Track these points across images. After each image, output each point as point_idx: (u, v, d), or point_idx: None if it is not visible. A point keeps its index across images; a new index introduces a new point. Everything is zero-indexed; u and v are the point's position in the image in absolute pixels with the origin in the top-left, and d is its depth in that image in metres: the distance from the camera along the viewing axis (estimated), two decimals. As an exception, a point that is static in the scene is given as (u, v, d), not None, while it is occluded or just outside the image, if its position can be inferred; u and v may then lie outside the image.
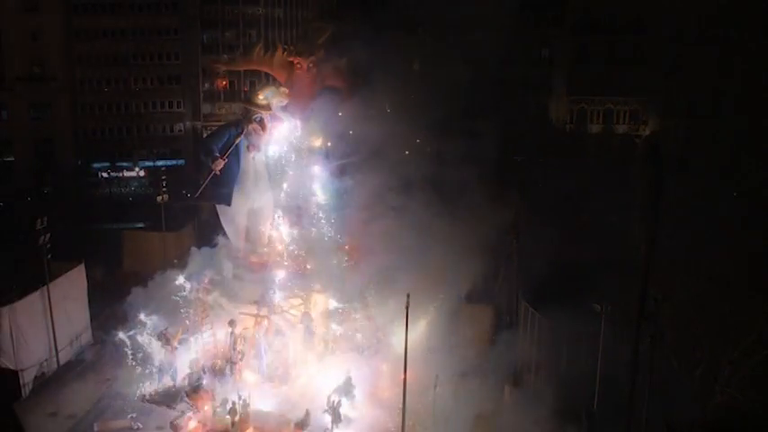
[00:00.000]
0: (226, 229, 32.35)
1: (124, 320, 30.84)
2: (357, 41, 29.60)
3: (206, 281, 30.19)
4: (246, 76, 57.92)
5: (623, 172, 28.39)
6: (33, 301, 28.14)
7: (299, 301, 30.10)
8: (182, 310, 30.35)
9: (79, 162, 57.95)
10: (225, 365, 28.52)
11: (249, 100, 31.31)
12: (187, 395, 26.38)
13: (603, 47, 54.89)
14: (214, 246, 32.15)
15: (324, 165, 31.19)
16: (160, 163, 56.52)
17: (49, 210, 32.49)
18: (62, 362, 29.40)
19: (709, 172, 41.93)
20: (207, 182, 30.76)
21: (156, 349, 28.67)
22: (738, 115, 49.59)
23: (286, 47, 30.96)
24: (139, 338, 29.90)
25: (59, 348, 29.12)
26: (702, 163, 44.37)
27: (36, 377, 28.13)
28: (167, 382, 27.87)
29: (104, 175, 59.40)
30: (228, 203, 31.19)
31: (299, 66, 30.69)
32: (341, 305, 29.70)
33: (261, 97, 30.98)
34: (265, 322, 29.38)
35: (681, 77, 51.87)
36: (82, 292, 31.18)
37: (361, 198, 29.11)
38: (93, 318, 31.62)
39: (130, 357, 29.29)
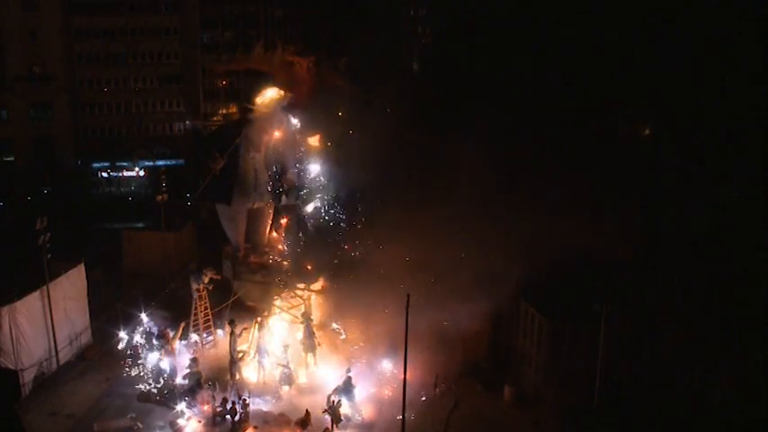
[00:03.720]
0: (226, 228, 32.34)
1: (124, 320, 30.86)
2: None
3: (206, 281, 30.17)
4: (246, 75, 57.82)
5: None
6: (33, 300, 28.09)
7: (299, 301, 30.11)
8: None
9: (79, 162, 57.82)
10: (225, 365, 28.52)
11: (249, 100, 31.28)
12: (187, 395, 26.39)
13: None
14: (214, 246, 32.12)
15: (323, 163, 31.21)
16: (160, 163, 56.41)
17: (49, 210, 32.44)
18: (62, 362, 29.37)
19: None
20: (207, 182, 30.75)
21: (155, 349, 28.66)
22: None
23: (286, 46, 30.93)
24: (139, 338, 29.90)
25: (59, 348, 29.10)
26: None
27: (36, 377, 28.08)
28: (167, 381, 27.82)
29: (104, 175, 59.30)
30: (228, 203, 31.18)
31: (298, 65, 30.68)
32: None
33: (261, 97, 30.98)
34: (266, 322, 29.38)
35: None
36: (82, 292, 31.10)
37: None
38: (93, 318, 31.57)
39: (130, 357, 29.29)
